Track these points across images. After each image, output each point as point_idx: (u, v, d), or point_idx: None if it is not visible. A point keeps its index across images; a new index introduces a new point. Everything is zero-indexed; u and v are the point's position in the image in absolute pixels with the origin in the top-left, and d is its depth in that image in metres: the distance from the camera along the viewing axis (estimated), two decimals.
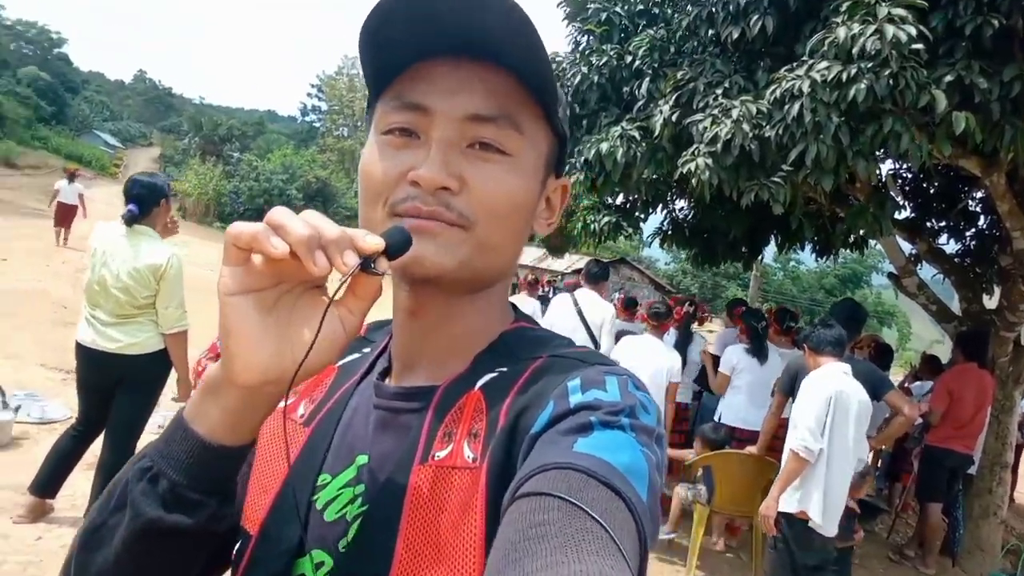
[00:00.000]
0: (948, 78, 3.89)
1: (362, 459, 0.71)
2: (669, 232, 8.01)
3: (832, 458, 3.52)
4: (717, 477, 4.75)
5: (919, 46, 3.79)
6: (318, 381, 0.81)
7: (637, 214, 7.49)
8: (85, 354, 3.72)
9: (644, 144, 5.18)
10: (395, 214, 0.66)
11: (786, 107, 4.08)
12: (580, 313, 5.66)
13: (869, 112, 3.98)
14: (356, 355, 0.84)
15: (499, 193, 0.68)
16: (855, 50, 3.84)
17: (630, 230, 7.36)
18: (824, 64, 3.99)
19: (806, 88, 3.95)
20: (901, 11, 3.80)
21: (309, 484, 0.72)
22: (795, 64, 4.26)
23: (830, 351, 3.64)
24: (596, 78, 5.49)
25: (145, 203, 3.72)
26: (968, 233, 7.55)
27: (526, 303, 8.36)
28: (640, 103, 5.23)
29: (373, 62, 0.68)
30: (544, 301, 9.89)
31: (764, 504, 3.67)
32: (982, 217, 7.67)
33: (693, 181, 4.48)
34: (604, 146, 5.19)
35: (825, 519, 3.48)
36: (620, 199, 7.41)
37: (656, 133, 4.93)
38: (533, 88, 0.68)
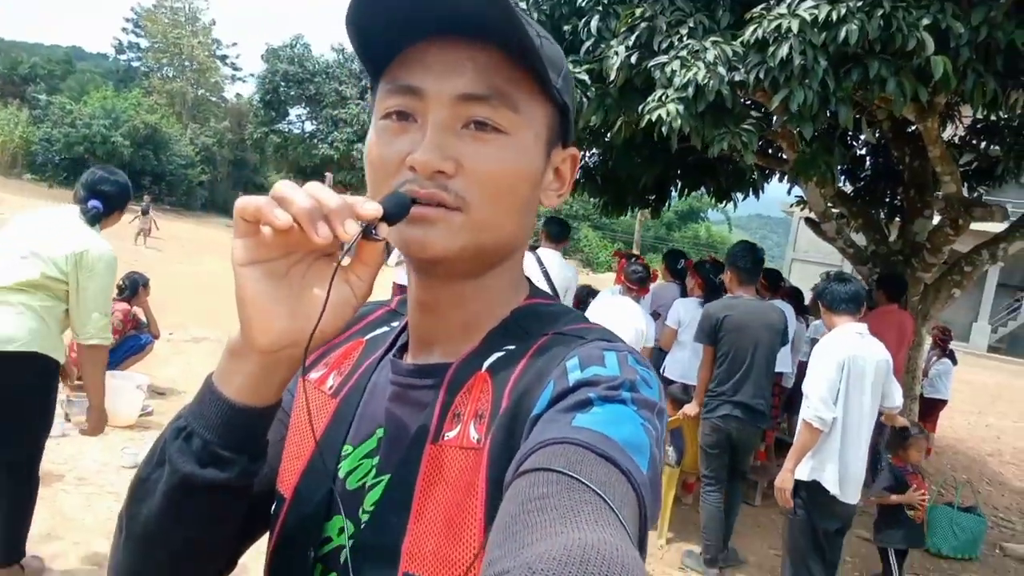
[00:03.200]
0: (925, 21, 3.77)
1: (380, 432, 0.74)
2: (582, 181, 7.74)
3: (847, 426, 3.38)
4: (688, 438, 4.59)
5: None
6: (347, 354, 0.83)
7: None
8: None
9: (594, 88, 4.79)
10: None
11: (771, 49, 3.82)
12: (546, 273, 5.27)
13: (855, 56, 3.81)
14: (385, 328, 0.86)
15: (495, 173, 0.68)
16: None
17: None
18: (810, 3, 3.76)
19: (795, 28, 3.70)
20: None
21: (335, 453, 0.75)
22: (772, 2, 4.00)
23: (846, 309, 3.47)
24: (536, 15, 5.00)
25: (111, 204, 3.05)
26: (862, 175, 7.82)
27: None
28: (588, 43, 4.81)
29: (363, 52, 0.70)
30: None
31: (779, 477, 3.50)
32: (868, 160, 8.01)
33: (664, 129, 4.16)
34: None
35: (843, 488, 3.36)
36: None
37: (612, 76, 4.55)
38: (524, 61, 0.68)
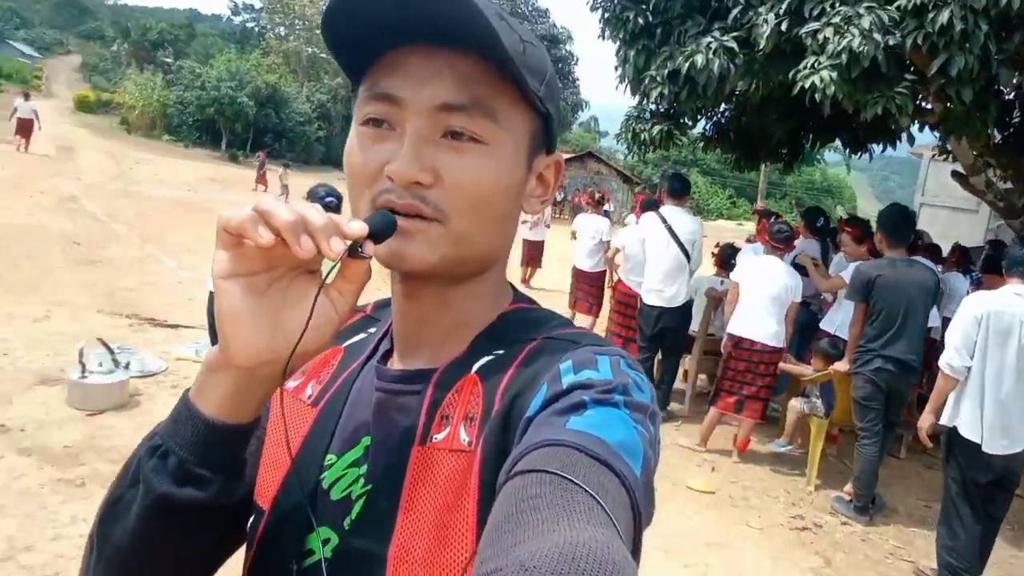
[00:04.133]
0: None
1: (367, 440, 0.73)
2: (715, 137, 7.86)
3: (987, 377, 3.56)
4: (838, 392, 4.82)
5: None
6: (325, 362, 0.82)
7: (683, 120, 7.31)
8: None
9: (742, 56, 4.95)
10: (376, 208, 0.67)
11: (930, 15, 3.89)
12: (671, 229, 5.59)
13: (1018, 17, 3.83)
14: (362, 335, 0.85)
15: (473, 184, 0.67)
16: None
17: (683, 138, 7.19)
18: None
19: None
20: None
21: (317, 464, 0.74)
22: None
23: (1016, 272, 3.58)
24: None
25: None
26: (1012, 122, 7.53)
27: (594, 221, 8.23)
28: (736, 11, 4.95)
29: (340, 56, 0.69)
30: (608, 216, 9.62)
31: (921, 418, 3.77)
32: (1017, 105, 7.68)
33: (817, 96, 4.31)
34: (699, 59, 4.95)
35: (985, 436, 3.55)
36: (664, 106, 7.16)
37: (761, 44, 4.69)
38: (505, 71, 0.66)
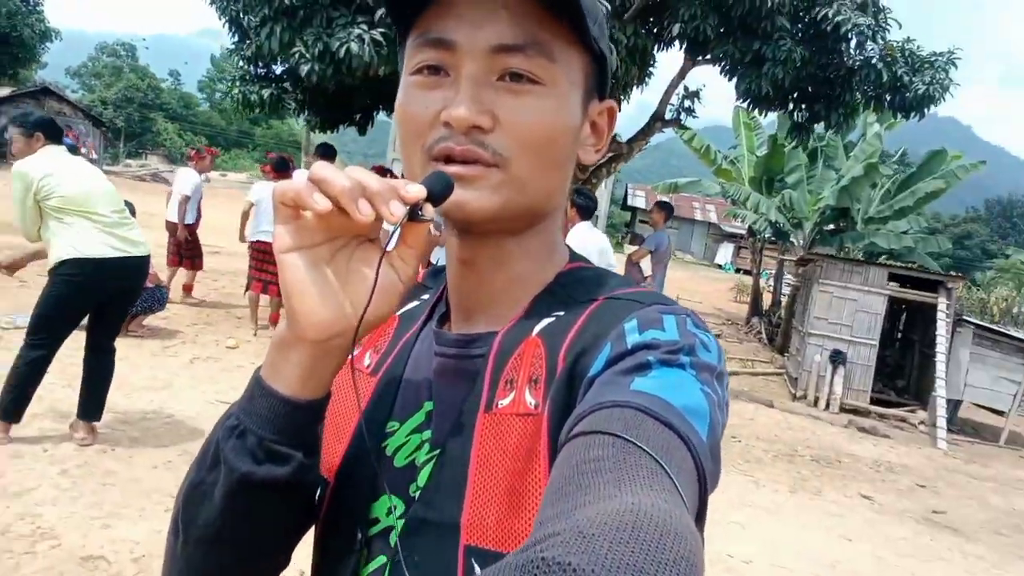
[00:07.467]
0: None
1: (428, 406, 0.73)
2: (307, 100, 8.97)
3: None
4: None
5: None
6: (382, 331, 0.82)
7: (285, 84, 8.27)
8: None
9: (385, 47, 6.33)
10: (432, 157, 0.66)
11: None
12: None
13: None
14: (416, 302, 0.85)
15: (533, 126, 0.66)
16: None
17: (292, 104, 8.14)
18: None
19: None
20: None
21: (379, 431, 0.74)
22: None
23: (584, 215, 5.89)
24: None
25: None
26: None
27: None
28: (381, 11, 6.26)
29: (392, 2, 0.67)
30: None
31: None
32: None
33: None
34: (354, 46, 6.16)
35: None
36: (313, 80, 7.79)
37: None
38: (561, 10, 0.64)
